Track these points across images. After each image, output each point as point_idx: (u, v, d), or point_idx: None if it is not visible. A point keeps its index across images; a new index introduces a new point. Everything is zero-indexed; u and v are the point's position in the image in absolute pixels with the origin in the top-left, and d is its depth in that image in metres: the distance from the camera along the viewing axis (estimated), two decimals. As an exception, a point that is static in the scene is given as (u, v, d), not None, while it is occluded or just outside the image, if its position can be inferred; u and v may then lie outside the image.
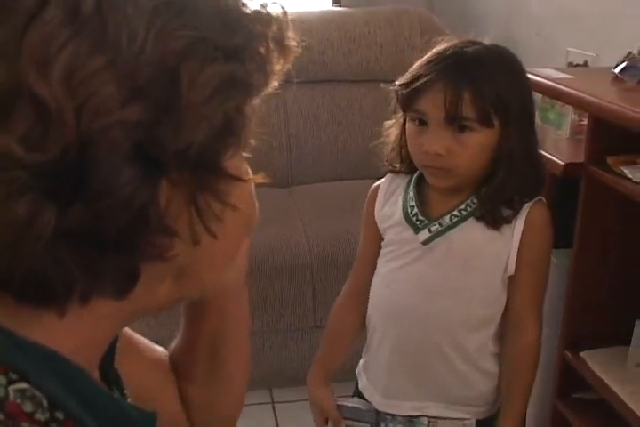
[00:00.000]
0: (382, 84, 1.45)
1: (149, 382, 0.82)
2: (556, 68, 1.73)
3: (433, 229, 1.39)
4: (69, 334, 0.55)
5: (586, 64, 2.06)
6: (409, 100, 1.34)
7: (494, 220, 1.37)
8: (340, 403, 1.52)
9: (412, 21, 2.92)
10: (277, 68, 0.55)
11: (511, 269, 1.40)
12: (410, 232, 1.42)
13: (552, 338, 1.85)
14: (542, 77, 1.65)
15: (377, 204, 1.48)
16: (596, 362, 1.73)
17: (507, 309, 1.44)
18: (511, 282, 1.42)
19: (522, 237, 1.38)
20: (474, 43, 1.36)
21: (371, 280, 1.50)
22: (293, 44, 0.56)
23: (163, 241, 0.51)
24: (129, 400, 0.67)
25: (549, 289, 1.90)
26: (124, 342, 0.76)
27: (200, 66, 0.49)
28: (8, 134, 0.45)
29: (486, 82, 1.30)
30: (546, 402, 1.91)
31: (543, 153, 1.75)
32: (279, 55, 0.55)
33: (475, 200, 1.38)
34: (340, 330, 1.56)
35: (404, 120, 1.38)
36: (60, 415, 0.50)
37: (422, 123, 1.33)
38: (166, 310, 0.62)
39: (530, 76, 1.70)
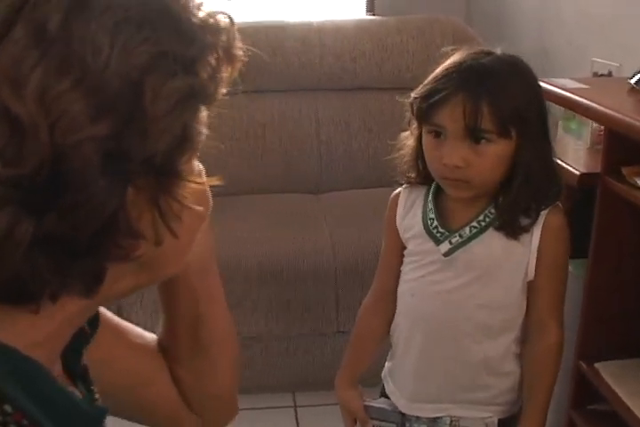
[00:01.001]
0: (398, 97, 1.46)
1: (141, 367, 0.85)
2: (573, 78, 1.73)
3: (453, 240, 1.41)
4: (35, 330, 0.57)
5: (610, 74, 2.05)
6: (426, 113, 1.35)
7: (513, 230, 1.38)
8: (367, 404, 1.56)
9: (444, 30, 2.92)
10: (225, 75, 0.57)
11: (531, 275, 1.41)
12: (431, 244, 1.43)
13: (568, 348, 1.84)
14: (557, 87, 1.65)
15: (398, 213, 1.50)
16: (611, 374, 1.71)
17: (528, 312, 1.45)
18: (531, 287, 1.43)
19: (540, 243, 1.39)
20: (487, 53, 1.37)
21: (394, 286, 1.52)
22: (240, 52, 0.58)
23: (129, 243, 0.54)
24: (97, 395, 0.69)
25: (566, 299, 1.89)
26: (111, 331, 0.79)
27: (162, 80, 0.52)
28: None
29: (503, 93, 1.31)
30: (561, 413, 1.90)
31: (561, 163, 1.76)
32: (227, 64, 0.57)
33: (493, 210, 1.39)
34: (365, 334, 1.60)
35: (420, 132, 1.40)
36: (7, 408, 0.53)
37: (438, 135, 1.35)
38: (122, 298, 0.65)
39: (545, 85, 1.70)
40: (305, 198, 2.87)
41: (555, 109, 2.74)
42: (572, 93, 1.60)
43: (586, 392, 1.79)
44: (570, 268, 1.87)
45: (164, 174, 0.54)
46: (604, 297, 1.72)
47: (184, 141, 0.55)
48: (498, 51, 1.39)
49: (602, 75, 2.06)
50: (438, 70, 1.36)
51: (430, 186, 1.45)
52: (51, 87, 0.48)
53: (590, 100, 1.54)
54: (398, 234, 1.50)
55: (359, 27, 3.00)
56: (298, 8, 3.30)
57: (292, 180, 2.95)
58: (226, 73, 0.57)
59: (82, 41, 0.49)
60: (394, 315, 1.54)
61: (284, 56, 2.88)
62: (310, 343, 2.55)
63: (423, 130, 1.38)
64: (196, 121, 0.56)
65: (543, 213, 1.39)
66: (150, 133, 0.52)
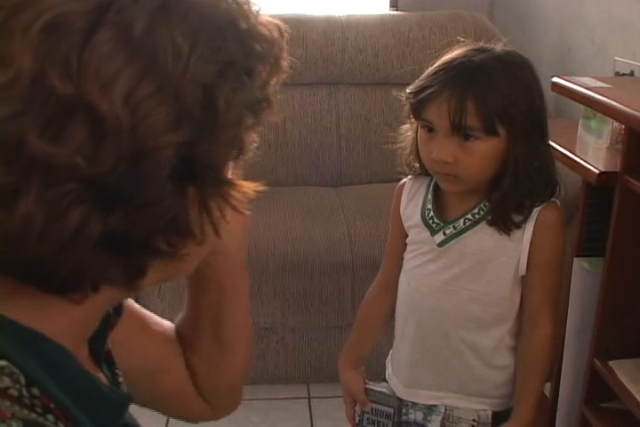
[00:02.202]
0: (394, 92, 1.50)
1: (158, 354, 0.87)
2: (596, 77, 1.73)
3: (447, 232, 1.44)
4: (64, 317, 0.59)
5: (632, 74, 2.05)
6: (417, 109, 1.38)
7: (505, 225, 1.40)
8: (368, 387, 1.59)
9: (466, 26, 2.92)
10: (273, 87, 0.59)
11: (522, 271, 1.43)
12: (427, 234, 1.47)
13: (583, 346, 1.85)
14: (579, 85, 1.65)
15: (401, 203, 1.53)
16: (625, 372, 1.72)
17: (521, 306, 1.47)
18: (524, 282, 1.45)
19: (532, 239, 1.40)
20: (483, 50, 1.38)
21: (399, 272, 1.55)
22: (286, 64, 0.60)
23: (180, 242, 0.56)
24: (121, 379, 0.71)
25: (582, 297, 1.90)
26: (132, 318, 0.81)
27: (233, 89, 0.53)
28: (66, 147, 0.49)
29: (491, 91, 1.32)
30: (574, 411, 1.91)
31: (580, 161, 1.77)
32: (275, 76, 0.59)
33: (487, 204, 1.41)
34: (368, 319, 1.64)
35: (417, 125, 1.42)
36: (35, 391, 0.54)
37: (431, 130, 1.37)
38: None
39: (567, 83, 1.71)
40: (324, 191, 2.88)
41: (575, 108, 2.74)
42: (594, 92, 1.60)
43: (599, 390, 1.80)
44: (586, 265, 1.89)
45: (219, 178, 0.56)
46: (621, 295, 1.72)
47: (240, 148, 0.57)
48: (498, 47, 1.40)
49: (624, 74, 2.06)
50: (432, 67, 1.39)
51: (432, 177, 1.48)
52: (136, 90, 0.49)
53: (612, 99, 1.54)
54: (402, 223, 1.53)
55: (382, 21, 3.00)
56: (322, 2, 3.31)
57: (312, 173, 2.96)
58: (273, 84, 0.59)
59: (164, 46, 0.50)
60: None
61: (307, 49, 2.89)
62: (326, 335, 2.57)
63: (418, 124, 1.41)
64: (252, 129, 0.58)
65: (537, 210, 1.40)
66: (220, 141, 0.53)
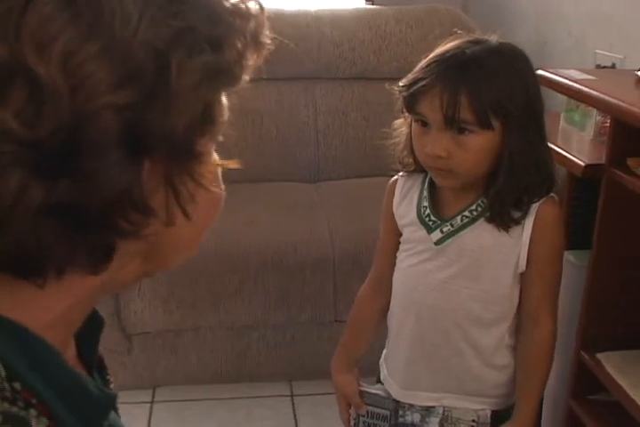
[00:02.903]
0: (387, 85, 1.46)
1: None
2: (579, 69, 1.73)
3: (445, 229, 1.41)
4: (43, 311, 0.57)
5: (613, 66, 2.05)
6: (410, 103, 1.35)
7: (503, 221, 1.38)
8: (363, 389, 1.56)
9: (442, 20, 2.92)
10: (250, 63, 0.57)
11: (522, 267, 1.41)
12: (423, 232, 1.44)
13: (569, 338, 1.85)
14: (565, 78, 1.65)
15: (394, 200, 1.50)
16: (613, 364, 1.72)
17: (521, 304, 1.45)
18: (523, 278, 1.43)
19: (532, 235, 1.39)
20: (477, 42, 1.35)
21: (392, 271, 1.53)
22: (267, 41, 0.58)
23: (140, 219, 0.53)
24: (112, 386, 0.69)
25: (568, 289, 1.90)
26: None
27: (189, 54, 0.51)
28: (4, 109, 0.47)
29: (484, 84, 1.29)
30: (561, 403, 1.91)
31: (565, 153, 1.76)
32: (254, 50, 0.57)
33: (485, 201, 1.39)
34: (361, 319, 1.60)
35: (411, 120, 1.40)
36: (17, 386, 0.52)
37: (425, 124, 1.34)
38: (128, 288, 0.64)
39: (552, 76, 1.71)
40: (302, 187, 2.87)
41: (556, 101, 2.75)
42: (581, 84, 1.60)
43: (586, 383, 1.80)
44: (572, 258, 1.89)
45: (182, 152, 0.54)
46: (607, 288, 1.73)
47: (205, 121, 0.54)
48: (493, 39, 1.36)
49: (605, 67, 2.06)
50: (425, 60, 1.36)
51: (427, 174, 1.45)
52: (76, 52, 0.48)
53: (599, 91, 1.54)
54: (395, 221, 1.50)
55: (358, 16, 2.99)
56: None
57: (290, 169, 2.94)
58: (251, 60, 0.57)
59: (111, 9, 0.49)
60: (390, 301, 1.55)
61: (282, 44, 2.84)
62: (308, 332, 2.55)
63: (412, 118, 1.38)
64: (218, 102, 0.56)
65: (535, 206, 1.38)
66: (172, 108, 0.51)
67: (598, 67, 2.09)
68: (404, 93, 1.36)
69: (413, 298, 1.48)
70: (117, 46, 0.49)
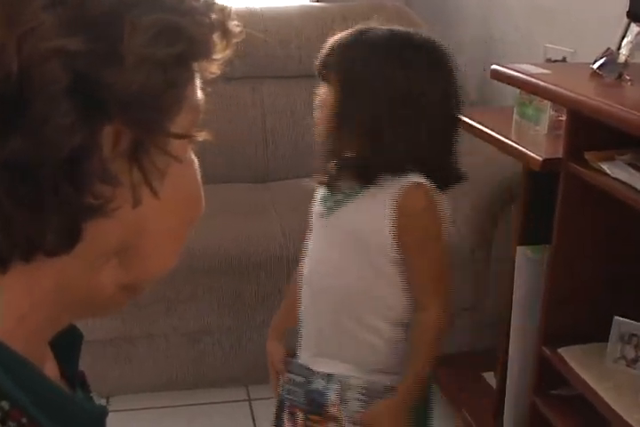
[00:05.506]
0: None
1: None
2: (534, 64, 1.72)
3: (328, 205, 1.50)
4: (11, 306, 0.54)
5: (564, 60, 2.05)
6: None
7: (369, 201, 1.42)
8: (288, 358, 1.65)
9: (389, 16, 2.87)
10: (220, 48, 0.55)
11: (391, 251, 1.43)
12: (319, 207, 1.54)
13: (531, 334, 1.85)
14: (520, 72, 1.64)
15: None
16: (574, 358, 1.72)
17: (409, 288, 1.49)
18: (404, 264, 1.46)
19: (398, 221, 1.41)
20: (364, 32, 1.45)
21: None
22: (236, 29, 0.56)
23: (103, 190, 0.50)
24: (96, 402, 0.65)
25: (527, 285, 1.90)
26: None
27: (144, 11, 0.49)
28: None
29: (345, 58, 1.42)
30: (524, 399, 1.91)
31: (520, 148, 1.76)
32: (221, 36, 0.55)
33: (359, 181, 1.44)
34: (293, 289, 1.64)
35: None
36: (5, 405, 0.50)
37: None
38: (113, 308, 0.60)
39: (508, 71, 1.70)
40: (252, 188, 2.83)
41: (497, 95, 2.75)
42: (536, 79, 1.59)
43: (549, 378, 1.80)
44: (529, 253, 1.89)
45: (146, 121, 0.51)
46: (567, 282, 1.73)
47: (168, 86, 0.51)
48: (378, 29, 1.44)
49: (555, 61, 2.06)
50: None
51: None
52: (24, 1, 0.46)
53: (555, 85, 1.53)
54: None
55: (304, 13, 2.96)
56: (240, -6, 3.24)
57: (239, 169, 2.90)
58: (220, 46, 0.55)
59: None
60: None
61: (227, 43, 2.82)
62: (263, 335, 2.50)
63: None
64: (184, 68, 0.53)
65: (400, 188, 1.41)
66: (125, 64, 0.49)
67: (549, 61, 2.09)
68: None
69: (305, 273, 1.56)
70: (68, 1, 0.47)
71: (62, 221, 0.50)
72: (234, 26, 0.56)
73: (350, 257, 1.48)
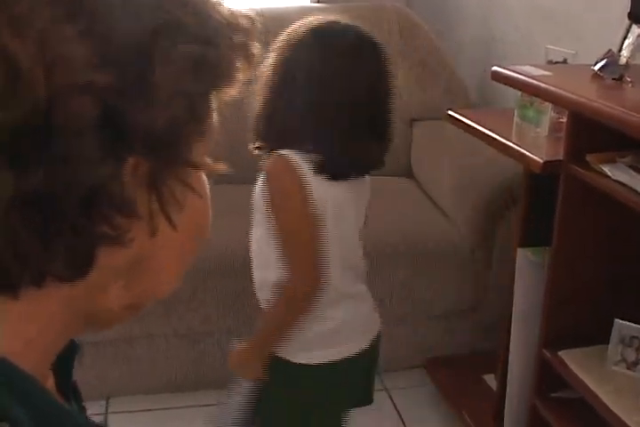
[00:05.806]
0: None
1: None
2: (534, 65, 1.72)
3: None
4: (19, 331, 0.53)
5: (565, 62, 2.05)
6: None
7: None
8: None
9: (389, 17, 2.90)
10: (240, 69, 0.55)
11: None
12: None
13: (532, 337, 1.85)
14: (521, 74, 1.63)
15: None
16: (575, 361, 1.72)
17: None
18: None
19: (262, 189, 1.50)
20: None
21: None
22: (257, 52, 0.56)
23: (121, 222, 0.50)
24: (88, 413, 0.65)
25: (527, 287, 1.89)
26: None
27: (172, 44, 0.49)
28: None
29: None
30: (523, 402, 1.91)
31: (521, 150, 1.75)
32: (243, 58, 0.55)
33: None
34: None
35: None
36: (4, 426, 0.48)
37: None
38: (116, 322, 0.60)
39: (509, 72, 1.69)
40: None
41: (498, 97, 2.75)
42: (538, 80, 1.58)
43: (549, 380, 1.79)
44: (530, 255, 1.88)
45: (167, 151, 0.50)
46: (568, 284, 1.72)
47: (192, 119, 0.51)
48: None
49: (556, 62, 2.06)
50: None
51: None
52: (56, 31, 0.45)
53: (557, 87, 1.53)
54: None
55: (304, 14, 2.94)
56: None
57: (245, 170, 2.88)
58: (241, 67, 0.54)
59: None
60: None
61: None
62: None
63: None
64: (206, 100, 0.53)
65: (269, 159, 1.48)
66: (153, 98, 0.48)
67: (550, 62, 2.09)
68: None
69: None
70: (99, 31, 0.46)
71: (77, 250, 0.50)
72: (256, 48, 0.56)
73: (257, 228, 1.55)
